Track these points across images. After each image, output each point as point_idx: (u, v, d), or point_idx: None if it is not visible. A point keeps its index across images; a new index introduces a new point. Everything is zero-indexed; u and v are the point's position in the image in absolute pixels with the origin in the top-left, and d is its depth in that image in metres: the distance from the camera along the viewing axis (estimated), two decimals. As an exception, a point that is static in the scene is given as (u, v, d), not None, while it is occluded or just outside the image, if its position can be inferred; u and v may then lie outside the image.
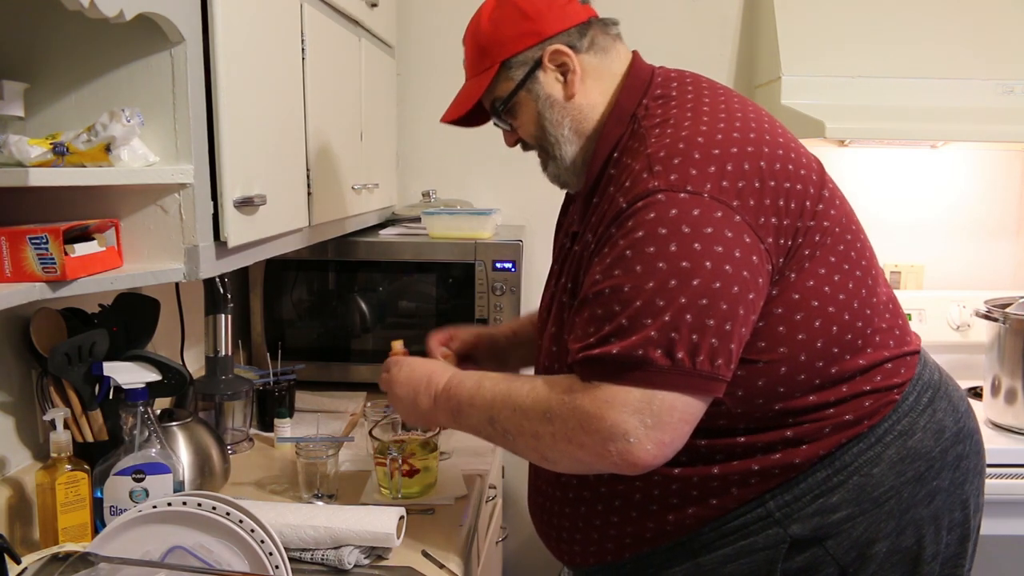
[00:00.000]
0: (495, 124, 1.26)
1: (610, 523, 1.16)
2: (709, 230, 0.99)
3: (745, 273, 1.00)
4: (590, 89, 1.18)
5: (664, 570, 1.15)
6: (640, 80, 1.18)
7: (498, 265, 2.01)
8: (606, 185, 1.12)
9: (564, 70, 1.17)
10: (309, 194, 1.55)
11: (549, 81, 1.17)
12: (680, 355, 0.98)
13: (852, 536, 1.09)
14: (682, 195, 1.00)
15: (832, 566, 1.10)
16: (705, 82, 1.17)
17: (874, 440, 1.10)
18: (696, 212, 0.99)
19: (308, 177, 1.55)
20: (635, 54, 1.22)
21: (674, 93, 1.14)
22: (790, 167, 1.07)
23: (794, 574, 1.11)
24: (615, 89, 1.18)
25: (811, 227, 1.08)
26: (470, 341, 1.48)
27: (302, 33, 1.49)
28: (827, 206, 1.10)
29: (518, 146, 1.29)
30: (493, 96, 1.21)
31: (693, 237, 0.99)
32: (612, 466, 1.01)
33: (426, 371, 1.26)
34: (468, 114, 1.24)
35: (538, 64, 1.17)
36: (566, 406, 1.03)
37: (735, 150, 1.04)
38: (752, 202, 1.02)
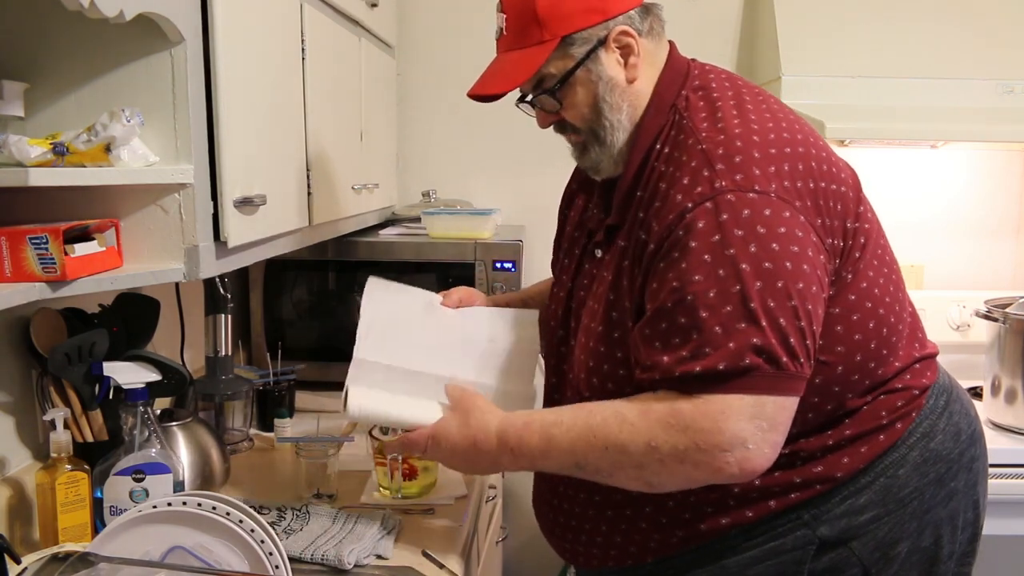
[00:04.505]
0: (529, 102, 1.17)
1: (637, 528, 1.14)
2: (782, 230, 0.98)
3: (819, 272, 1.01)
4: (644, 75, 1.14)
5: (686, 573, 1.14)
6: (678, 71, 1.15)
7: (498, 265, 2.00)
8: (651, 177, 1.09)
9: (627, 53, 1.11)
10: (309, 194, 1.55)
11: (611, 62, 1.11)
12: (784, 359, 0.97)
13: (877, 536, 1.10)
14: (751, 195, 0.99)
15: (856, 566, 1.10)
16: (740, 79, 1.16)
17: (899, 442, 1.11)
18: (768, 212, 0.99)
19: (308, 177, 1.54)
20: (672, 44, 1.19)
21: (714, 85, 1.12)
22: (833, 169, 1.08)
23: (819, 574, 1.10)
24: (657, 78, 1.15)
25: (857, 228, 1.08)
26: None
27: (302, 33, 1.49)
28: (865, 209, 1.12)
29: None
30: (543, 73, 1.13)
31: (770, 237, 0.98)
32: (728, 477, 0.99)
33: (467, 439, 1.14)
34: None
35: (602, 43, 1.10)
36: (674, 429, 0.98)
37: (788, 150, 1.04)
38: (809, 203, 1.02)
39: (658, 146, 1.10)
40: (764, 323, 0.96)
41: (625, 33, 1.11)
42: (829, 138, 1.97)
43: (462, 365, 1.27)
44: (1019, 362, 1.91)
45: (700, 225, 0.99)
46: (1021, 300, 1.96)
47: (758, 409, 0.97)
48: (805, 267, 0.99)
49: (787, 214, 0.99)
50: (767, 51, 2.22)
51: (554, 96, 1.14)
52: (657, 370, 1.01)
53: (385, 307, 1.31)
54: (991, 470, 1.80)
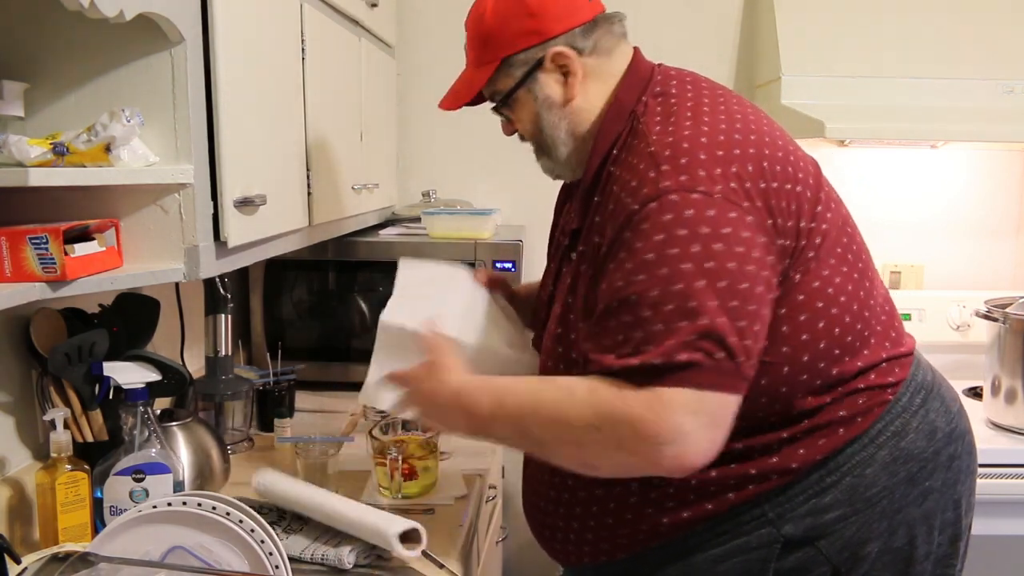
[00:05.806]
0: (492, 112, 1.26)
1: (604, 525, 1.16)
2: (727, 230, 0.99)
3: (765, 272, 1.01)
4: (590, 91, 1.17)
5: (658, 569, 1.15)
6: (640, 77, 1.17)
7: (498, 265, 2.01)
8: (607, 183, 1.11)
9: (565, 71, 1.16)
10: (309, 194, 1.55)
11: (549, 82, 1.16)
12: (722, 355, 0.97)
13: (845, 536, 1.10)
14: (694, 195, 1.00)
15: (825, 565, 1.10)
16: (704, 81, 1.17)
17: (867, 441, 1.11)
18: (711, 212, 0.99)
19: (308, 177, 1.55)
20: (636, 51, 1.21)
21: (673, 91, 1.14)
22: (789, 169, 1.08)
23: (787, 573, 1.11)
24: (615, 86, 1.17)
25: (812, 228, 1.08)
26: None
27: (302, 33, 1.49)
28: (825, 208, 1.11)
29: (518, 147, 1.29)
30: (493, 89, 1.21)
31: (713, 237, 0.98)
32: (663, 470, 1.00)
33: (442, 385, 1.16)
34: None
35: (539, 64, 1.16)
36: (617, 413, 0.99)
37: (738, 151, 1.04)
38: (759, 203, 1.03)
39: (615, 151, 1.12)
40: (703, 321, 0.97)
41: (561, 55, 1.15)
42: (829, 138, 1.97)
43: (467, 329, 1.30)
44: (1019, 362, 1.91)
45: (645, 226, 1.01)
46: (1021, 300, 1.96)
47: (699, 404, 0.98)
48: (750, 268, 0.99)
49: (733, 215, 1.00)
50: (767, 51, 2.22)
51: (500, 111, 1.23)
52: (599, 366, 1.02)
53: (413, 274, 1.40)
54: (991, 470, 1.82)
